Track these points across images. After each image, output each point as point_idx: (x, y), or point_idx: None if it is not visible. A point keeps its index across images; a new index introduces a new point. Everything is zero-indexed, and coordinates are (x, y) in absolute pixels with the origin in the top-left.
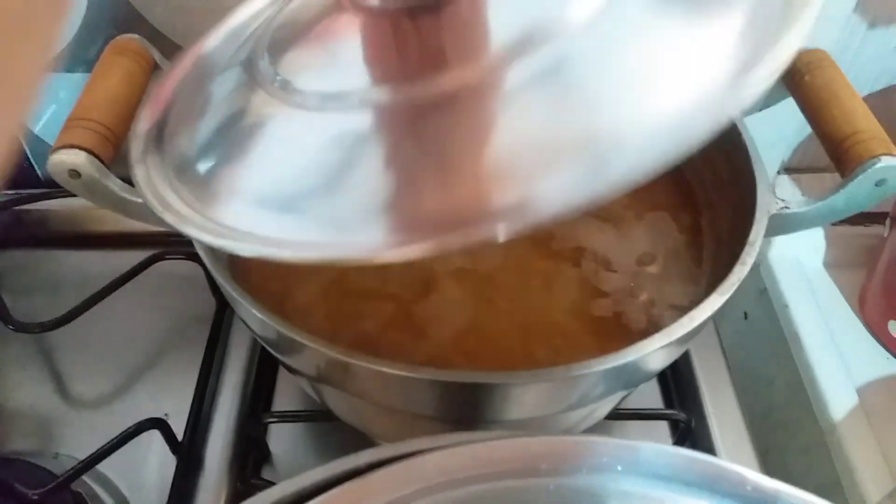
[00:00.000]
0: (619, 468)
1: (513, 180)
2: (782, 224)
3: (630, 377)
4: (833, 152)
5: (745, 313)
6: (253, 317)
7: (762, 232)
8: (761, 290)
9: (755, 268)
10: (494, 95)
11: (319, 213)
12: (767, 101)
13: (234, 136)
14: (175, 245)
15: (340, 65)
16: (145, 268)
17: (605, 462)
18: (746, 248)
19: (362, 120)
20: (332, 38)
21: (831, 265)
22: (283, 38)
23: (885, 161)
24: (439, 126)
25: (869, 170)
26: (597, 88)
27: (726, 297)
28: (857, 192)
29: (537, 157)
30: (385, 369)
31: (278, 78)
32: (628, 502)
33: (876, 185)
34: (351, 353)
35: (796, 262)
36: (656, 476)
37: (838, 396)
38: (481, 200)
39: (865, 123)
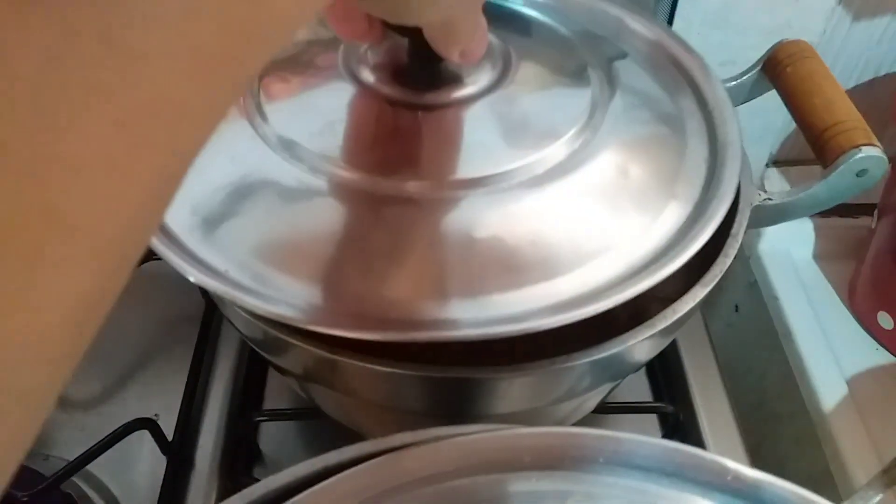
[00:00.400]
0: (602, 460)
1: (441, 297)
2: (766, 215)
3: (616, 369)
4: (815, 143)
5: (736, 306)
6: (239, 316)
7: (745, 223)
8: (751, 282)
9: (745, 261)
10: (442, 215)
11: (241, 249)
12: (750, 93)
13: None
14: None
15: (312, 119)
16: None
17: (587, 454)
18: (728, 240)
19: (311, 183)
20: (319, 91)
21: (821, 257)
22: (281, 65)
23: (866, 151)
24: (383, 224)
25: (850, 160)
26: (531, 242)
27: (708, 288)
28: (839, 183)
29: (468, 284)
30: (370, 366)
31: (257, 100)
32: (611, 493)
33: (857, 175)
34: (336, 351)
35: (786, 254)
36: (638, 467)
37: (828, 387)
38: (404, 305)
39: (847, 114)
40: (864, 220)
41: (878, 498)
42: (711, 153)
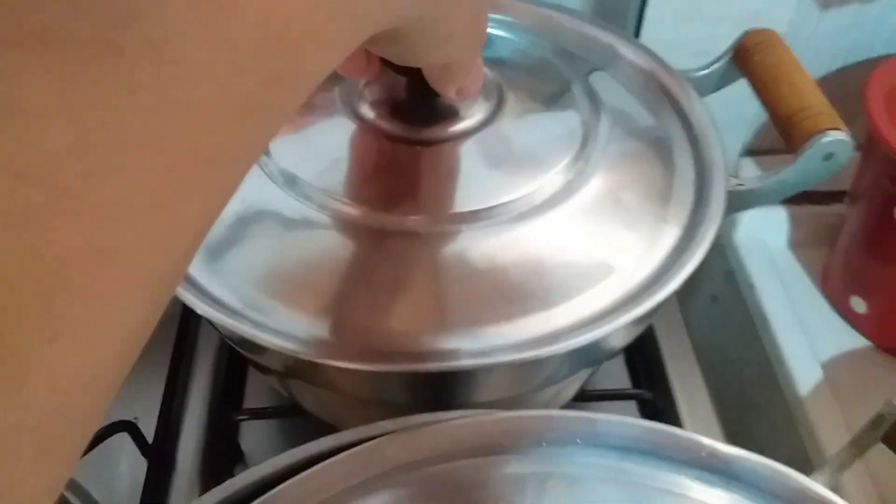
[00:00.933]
0: (579, 441)
1: (443, 329)
2: (737, 201)
3: (592, 356)
4: (783, 128)
5: (714, 296)
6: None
7: None
8: (728, 272)
9: (721, 251)
10: (443, 248)
11: (246, 281)
12: (721, 82)
13: None
14: None
15: (314, 155)
16: None
17: (564, 436)
18: None
19: (314, 217)
20: (320, 128)
21: (795, 245)
22: None
23: (833, 135)
24: (386, 257)
25: (817, 144)
26: (531, 272)
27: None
28: (807, 167)
29: (469, 315)
30: (350, 366)
31: None
32: (589, 474)
33: (824, 158)
34: (318, 355)
35: (761, 243)
36: (615, 447)
37: (804, 371)
38: (406, 337)
39: (813, 99)
40: (836, 208)
41: (847, 468)
42: (698, 175)
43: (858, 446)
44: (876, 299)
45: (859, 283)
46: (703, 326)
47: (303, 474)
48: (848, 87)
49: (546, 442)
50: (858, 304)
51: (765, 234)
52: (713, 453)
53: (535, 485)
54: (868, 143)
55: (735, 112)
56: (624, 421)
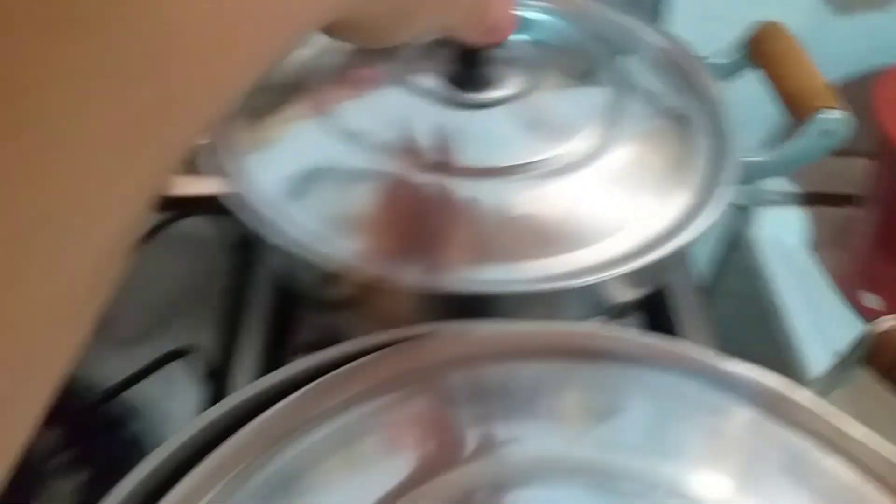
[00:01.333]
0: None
1: (485, 263)
2: (745, 173)
3: (593, 302)
4: (789, 108)
5: (734, 292)
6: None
7: None
8: (747, 268)
9: (742, 249)
10: (484, 197)
11: (321, 222)
12: (732, 70)
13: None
14: (192, 206)
15: (373, 116)
16: (164, 228)
17: (579, 349)
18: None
19: (373, 171)
20: (377, 92)
21: (811, 244)
22: (341, 72)
23: (830, 113)
24: (435, 206)
25: (816, 120)
26: (559, 220)
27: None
28: (808, 143)
29: (506, 253)
30: (409, 283)
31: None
32: (605, 382)
33: (823, 135)
34: (379, 277)
35: (780, 242)
36: (627, 359)
37: (817, 365)
38: (455, 268)
39: (815, 81)
40: (849, 210)
41: (829, 393)
42: (714, 147)
43: (842, 368)
44: (889, 296)
45: (873, 281)
46: (722, 320)
47: (346, 367)
48: (864, 92)
49: (560, 353)
50: (872, 301)
51: (783, 234)
52: (712, 365)
53: (553, 385)
54: (881, 148)
55: (750, 114)
56: (637, 337)
